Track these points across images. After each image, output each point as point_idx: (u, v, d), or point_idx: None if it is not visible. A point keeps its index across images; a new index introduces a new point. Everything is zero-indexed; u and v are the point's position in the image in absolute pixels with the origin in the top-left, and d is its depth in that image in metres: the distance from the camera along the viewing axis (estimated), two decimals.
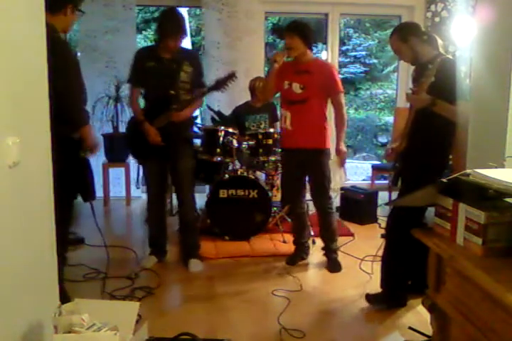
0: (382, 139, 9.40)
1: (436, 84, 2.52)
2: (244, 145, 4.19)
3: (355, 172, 8.01)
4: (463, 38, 4.81)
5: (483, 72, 2.17)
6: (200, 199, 4.15)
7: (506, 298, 1.29)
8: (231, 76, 3.29)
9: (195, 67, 3.33)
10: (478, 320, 1.52)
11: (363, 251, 3.66)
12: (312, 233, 4.00)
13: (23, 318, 1.63)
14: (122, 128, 4.91)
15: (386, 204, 4.52)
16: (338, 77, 3.43)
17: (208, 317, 2.81)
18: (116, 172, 5.20)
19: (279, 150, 4.23)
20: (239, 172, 4.11)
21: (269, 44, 8.94)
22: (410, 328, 2.58)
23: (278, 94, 3.62)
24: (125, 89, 5.09)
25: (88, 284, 3.07)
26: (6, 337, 1.51)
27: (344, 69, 9.71)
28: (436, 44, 2.78)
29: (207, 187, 4.75)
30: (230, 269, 3.50)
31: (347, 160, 3.64)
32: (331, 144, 3.44)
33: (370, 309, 2.90)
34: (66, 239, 2.86)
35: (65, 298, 2.44)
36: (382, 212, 4.58)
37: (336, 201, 4.10)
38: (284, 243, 3.96)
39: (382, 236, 3.13)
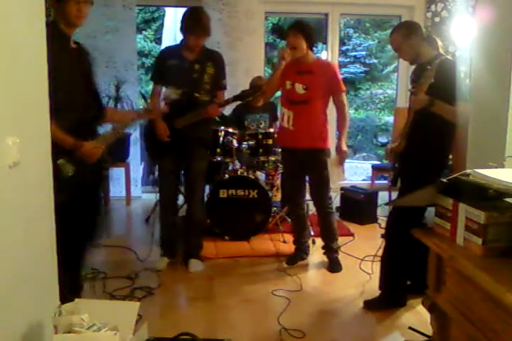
0: (382, 139, 9.39)
1: (435, 85, 2.52)
2: (244, 145, 4.19)
3: (355, 172, 8.01)
4: (463, 38, 4.81)
5: (483, 72, 2.17)
6: None
7: (506, 298, 1.29)
8: (257, 89, 3.34)
9: (217, 68, 3.32)
10: (478, 320, 1.52)
11: (363, 251, 3.66)
12: (312, 233, 4.00)
13: (23, 318, 1.63)
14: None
15: (386, 204, 4.52)
16: (340, 75, 3.44)
17: (208, 317, 2.81)
18: (117, 172, 5.21)
19: (280, 150, 4.24)
20: (239, 172, 4.11)
21: (269, 44, 8.95)
22: (410, 328, 2.58)
23: (278, 94, 3.62)
24: (125, 89, 5.10)
25: (88, 284, 3.07)
26: (6, 337, 1.51)
27: (344, 69, 9.70)
28: (436, 45, 2.79)
29: (207, 187, 4.74)
30: (230, 269, 3.50)
31: (347, 160, 3.64)
32: (331, 143, 3.46)
33: (370, 310, 2.90)
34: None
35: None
36: (382, 212, 4.58)
37: (336, 201, 4.10)
38: (284, 243, 3.96)
39: (382, 236, 3.13)
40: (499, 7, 2.06)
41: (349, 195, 4.69)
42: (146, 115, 2.96)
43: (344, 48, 9.65)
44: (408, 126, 2.70)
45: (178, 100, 3.19)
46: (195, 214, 3.48)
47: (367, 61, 10.09)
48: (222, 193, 3.98)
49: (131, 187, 5.20)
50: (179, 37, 6.12)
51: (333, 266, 3.52)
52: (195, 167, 3.39)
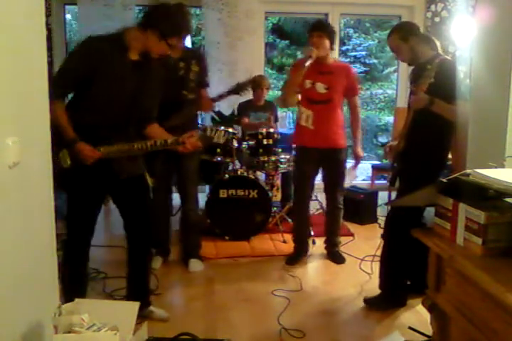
0: (382, 139, 9.39)
1: (434, 85, 2.52)
2: (244, 145, 4.19)
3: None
4: (463, 38, 4.81)
5: (483, 72, 2.17)
6: (200, 199, 4.14)
7: (506, 298, 1.29)
8: (252, 81, 3.34)
9: (201, 66, 3.31)
10: (478, 320, 1.52)
11: (363, 251, 3.66)
12: (312, 233, 4.01)
13: (23, 318, 1.63)
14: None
15: (386, 204, 4.53)
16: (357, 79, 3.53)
17: (208, 318, 2.81)
18: None
19: (279, 149, 4.24)
20: (239, 172, 4.10)
21: (269, 44, 8.95)
22: (410, 328, 2.58)
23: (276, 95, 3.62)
24: None
25: (88, 284, 3.06)
26: (6, 337, 1.51)
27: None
28: (435, 45, 2.79)
29: (207, 187, 4.74)
30: (230, 269, 3.50)
31: (348, 160, 3.68)
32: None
33: (370, 309, 2.90)
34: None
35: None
36: (382, 212, 4.58)
37: None
38: (284, 243, 3.96)
39: (382, 236, 3.13)
40: (499, 7, 2.06)
41: (349, 195, 4.67)
42: (177, 146, 2.56)
43: (344, 48, 9.65)
44: (407, 126, 2.70)
45: (166, 99, 3.11)
46: (190, 214, 3.48)
47: (367, 61, 10.10)
48: (222, 193, 3.98)
49: None
50: None
51: (337, 258, 3.64)
52: (186, 166, 3.38)
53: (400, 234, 2.73)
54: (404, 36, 2.77)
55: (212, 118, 5.20)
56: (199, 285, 3.23)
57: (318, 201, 4.38)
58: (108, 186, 2.51)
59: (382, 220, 4.45)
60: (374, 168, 5.55)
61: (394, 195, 2.92)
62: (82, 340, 1.53)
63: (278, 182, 4.54)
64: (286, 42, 10.07)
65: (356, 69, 9.88)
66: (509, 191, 1.52)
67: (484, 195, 1.61)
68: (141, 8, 5.02)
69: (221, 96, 3.38)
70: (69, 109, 2.38)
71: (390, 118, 8.44)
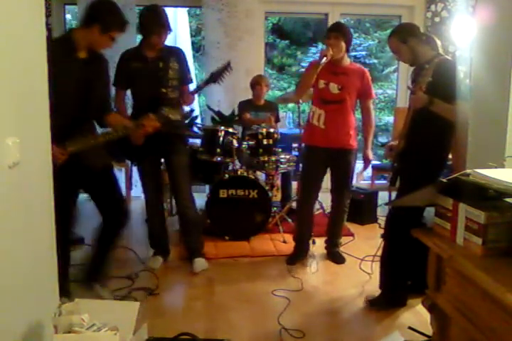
0: (382, 139, 9.39)
1: (433, 84, 2.52)
2: (244, 145, 4.19)
3: (355, 172, 8.00)
4: (463, 38, 4.81)
5: (483, 72, 2.17)
6: (200, 199, 4.14)
7: (506, 298, 1.29)
8: (226, 67, 3.28)
9: (181, 63, 3.30)
10: (478, 320, 1.52)
11: (363, 251, 3.66)
12: (312, 233, 4.01)
13: (23, 318, 1.63)
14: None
15: (386, 204, 4.52)
16: (371, 82, 3.52)
17: (208, 318, 2.81)
18: (117, 173, 5.19)
19: (279, 149, 4.24)
20: (239, 172, 4.10)
21: (269, 44, 8.95)
22: (410, 328, 2.58)
23: (274, 95, 3.62)
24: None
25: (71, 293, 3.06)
26: (6, 337, 1.51)
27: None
28: (435, 45, 2.78)
29: (207, 187, 4.75)
30: (230, 269, 3.50)
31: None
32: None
33: (370, 309, 2.90)
34: (67, 239, 2.84)
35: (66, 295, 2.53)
36: (382, 212, 4.58)
37: None
38: (284, 243, 3.96)
39: (382, 236, 3.13)
40: (499, 7, 2.06)
41: None
42: (137, 129, 2.81)
43: None
44: (407, 126, 2.70)
45: (146, 100, 3.18)
46: (186, 212, 3.44)
47: (367, 61, 10.09)
48: (222, 193, 3.97)
49: (131, 187, 5.19)
50: (179, 37, 6.15)
51: (338, 258, 3.65)
52: (176, 162, 3.36)
53: (400, 234, 2.73)
54: (403, 38, 2.77)
55: (213, 118, 5.20)
56: (199, 285, 3.23)
57: (318, 201, 4.37)
58: (80, 178, 2.69)
59: (382, 220, 4.45)
60: (374, 168, 5.54)
61: (394, 194, 2.92)
62: (82, 340, 1.53)
63: (278, 182, 4.54)
64: (286, 42, 10.08)
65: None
66: (509, 191, 1.52)
67: (484, 195, 1.61)
68: (141, 8, 5.02)
69: (199, 88, 3.36)
70: None
71: (390, 118, 8.44)
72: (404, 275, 2.92)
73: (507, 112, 1.94)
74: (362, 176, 3.81)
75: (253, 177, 4.07)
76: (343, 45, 3.31)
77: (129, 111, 3.53)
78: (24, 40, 1.64)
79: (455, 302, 1.66)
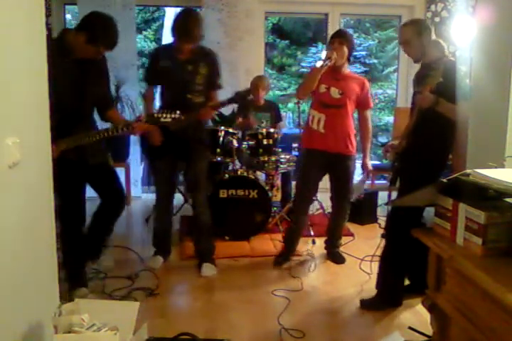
0: (382, 139, 9.39)
1: (443, 85, 2.52)
2: (244, 145, 4.19)
3: (355, 172, 7.99)
4: (463, 38, 4.80)
5: (483, 72, 2.17)
6: None
7: (506, 298, 1.29)
8: (250, 92, 3.35)
9: (211, 68, 3.27)
10: (478, 320, 1.52)
11: (363, 251, 3.66)
12: (312, 233, 4.01)
13: (23, 318, 1.63)
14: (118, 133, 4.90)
15: (386, 204, 4.53)
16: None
17: (208, 317, 2.81)
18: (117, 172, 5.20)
19: (279, 149, 4.24)
20: (239, 172, 4.10)
21: (269, 44, 8.95)
22: (410, 328, 2.58)
23: (273, 94, 3.62)
24: (125, 89, 5.10)
25: (88, 284, 3.07)
26: (6, 337, 1.51)
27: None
28: (442, 48, 2.78)
29: None
30: (230, 269, 3.50)
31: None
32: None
33: (369, 309, 2.90)
34: (80, 233, 3.01)
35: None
36: (382, 212, 4.58)
37: None
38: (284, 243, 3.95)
39: (382, 236, 3.13)
40: (499, 7, 2.06)
41: None
42: (132, 127, 2.81)
43: None
44: (411, 125, 2.69)
45: (171, 102, 3.17)
46: (200, 217, 3.44)
47: (367, 61, 10.10)
48: (222, 193, 3.97)
49: (131, 187, 5.20)
50: None
51: (338, 258, 3.66)
52: (196, 167, 3.36)
53: (400, 234, 2.74)
54: (419, 31, 2.75)
55: (212, 119, 5.20)
56: (199, 285, 3.23)
57: (318, 201, 4.38)
58: (82, 173, 2.85)
59: (382, 220, 4.46)
60: (374, 168, 5.53)
61: (394, 194, 2.92)
62: (82, 340, 1.53)
63: (278, 182, 4.53)
64: (286, 42, 10.08)
65: (356, 69, 9.90)
66: (509, 191, 1.52)
67: (484, 195, 1.61)
68: (141, 7, 5.02)
69: (222, 105, 3.31)
70: None
71: (390, 118, 8.44)
72: (402, 276, 2.91)
73: (507, 112, 1.94)
74: (361, 188, 3.79)
75: (253, 177, 4.07)
76: (346, 51, 3.33)
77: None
78: (24, 40, 1.64)
79: (455, 303, 1.66)
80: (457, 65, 2.69)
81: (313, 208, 4.63)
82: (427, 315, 2.07)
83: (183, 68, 3.21)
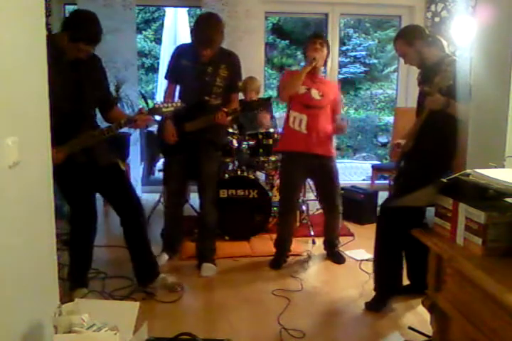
0: (382, 139, 9.40)
1: (452, 86, 2.52)
2: (244, 145, 4.19)
3: (355, 172, 8.01)
4: (463, 38, 4.81)
5: (483, 72, 2.17)
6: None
7: (506, 298, 1.29)
8: (267, 101, 3.40)
9: (231, 70, 3.28)
10: (478, 320, 1.52)
11: (363, 251, 3.66)
12: (312, 233, 4.01)
13: (23, 318, 1.63)
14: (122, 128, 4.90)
15: (383, 204, 4.52)
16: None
17: (208, 317, 2.81)
18: None
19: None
20: (239, 172, 4.10)
21: (269, 44, 8.95)
22: (410, 328, 2.58)
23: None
24: (125, 89, 5.10)
25: (88, 284, 3.06)
26: (6, 337, 1.51)
27: (344, 70, 9.71)
28: (442, 45, 2.77)
29: None
30: (230, 269, 3.50)
31: (347, 160, 3.69)
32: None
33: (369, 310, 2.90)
34: (89, 236, 3.01)
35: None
36: None
37: None
38: None
39: None
40: (499, 7, 2.06)
41: (349, 195, 4.68)
42: (135, 120, 2.79)
43: (344, 48, 9.66)
44: (419, 126, 2.69)
45: (190, 102, 3.10)
46: (206, 217, 3.45)
47: (367, 61, 10.11)
48: (222, 193, 3.97)
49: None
50: (179, 37, 6.15)
51: (338, 258, 3.65)
52: (206, 169, 3.36)
53: (396, 234, 2.75)
54: (409, 41, 2.76)
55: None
56: (199, 285, 3.23)
57: (318, 201, 4.37)
58: (91, 176, 2.80)
59: None
60: (374, 168, 5.55)
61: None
62: (82, 340, 1.53)
63: (278, 182, 4.53)
64: (286, 42, 10.09)
65: (356, 69, 9.91)
66: (509, 191, 1.52)
67: (484, 195, 1.61)
68: (141, 7, 5.02)
69: (235, 111, 3.28)
70: None
71: (390, 119, 8.45)
72: (397, 274, 2.90)
73: (507, 112, 1.94)
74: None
75: (253, 177, 4.07)
76: (325, 53, 3.37)
77: None
78: (24, 40, 1.64)
79: (455, 303, 1.66)
80: (459, 63, 2.69)
81: (314, 208, 4.64)
82: (427, 315, 2.07)
83: (203, 69, 3.21)
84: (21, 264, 1.62)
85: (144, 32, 9.58)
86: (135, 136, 5.30)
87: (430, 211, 1.94)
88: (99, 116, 2.96)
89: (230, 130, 4.13)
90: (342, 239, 3.83)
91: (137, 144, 5.40)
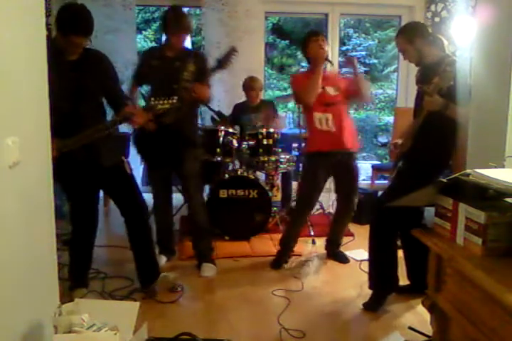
0: (382, 139, 9.39)
1: (451, 86, 2.51)
2: (244, 145, 4.19)
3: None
4: (463, 38, 4.80)
5: (483, 72, 2.17)
6: None
7: (506, 298, 1.29)
8: (231, 52, 3.31)
9: (199, 67, 3.28)
10: (478, 320, 1.52)
11: (363, 252, 3.66)
12: (312, 233, 4.00)
13: (23, 318, 1.63)
14: (122, 128, 4.90)
15: (386, 203, 4.51)
16: None
17: (208, 317, 2.81)
18: None
19: (279, 149, 4.24)
20: (239, 172, 4.10)
21: (269, 44, 8.95)
22: (410, 328, 2.58)
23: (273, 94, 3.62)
24: (125, 89, 5.09)
25: (88, 284, 3.07)
26: (6, 337, 1.51)
27: (344, 70, 9.69)
28: (442, 45, 2.77)
29: (207, 187, 4.74)
30: (230, 269, 3.50)
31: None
32: None
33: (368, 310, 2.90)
34: (91, 235, 3.03)
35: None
36: None
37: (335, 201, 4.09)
38: None
39: None
40: (499, 7, 2.06)
41: None
42: (126, 121, 2.82)
43: (344, 48, 9.65)
44: (418, 126, 2.68)
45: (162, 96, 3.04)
46: (196, 217, 3.45)
47: (367, 61, 10.10)
48: (222, 193, 3.97)
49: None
50: None
51: (342, 258, 3.66)
52: (187, 169, 3.35)
53: (386, 232, 2.76)
54: (409, 38, 2.76)
55: (212, 119, 5.20)
56: (199, 285, 3.23)
57: (318, 201, 4.37)
58: (94, 175, 2.80)
59: None
60: (374, 168, 5.55)
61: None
62: (82, 340, 1.53)
63: (278, 182, 4.53)
64: (286, 42, 10.08)
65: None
66: (509, 191, 1.52)
67: (484, 195, 1.61)
68: (141, 7, 5.01)
69: (210, 74, 3.32)
70: None
71: (390, 119, 8.44)
72: (391, 272, 2.90)
73: (507, 112, 1.94)
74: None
75: (253, 177, 4.07)
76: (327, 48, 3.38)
77: None
78: (24, 40, 1.64)
79: (455, 303, 1.66)
80: (459, 64, 2.68)
81: (314, 208, 4.63)
82: (427, 315, 2.07)
83: (170, 64, 3.25)
84: (21, 264, 1.62)
85: (143, 32, 9.57)
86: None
87: (430, 211, 1.94)
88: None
89: (230, 130, 4.13)
90: (342, 239, 3.82)
91: None
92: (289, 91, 8.61)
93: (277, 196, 4.58)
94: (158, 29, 9.54)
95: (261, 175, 4.45)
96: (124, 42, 5.17)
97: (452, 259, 1.62)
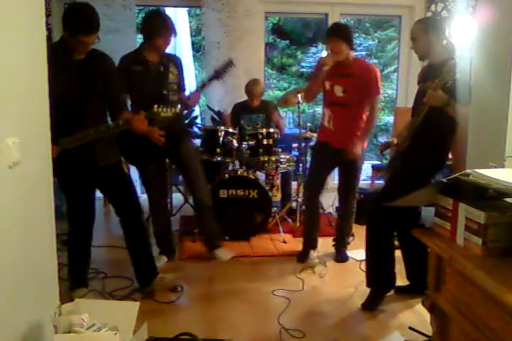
0: (382, 139, 9.38)
1: (453, 87, 2.51)
2: (244, 145, 4.19)
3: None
4: (463, 38, 4.80)
5: (483, 72, 2.17)
6: None
7: (506, 298, 1.29)
8: (228, 64, 3.32)
9: (179, 70, 3.36)
10: (478, 320, 1.52)
11: (363, 251, 3.66)
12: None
13: (23, 318, 1.63)
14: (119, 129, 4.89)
15: (385, 203, 4.51)
16: (380, 78, 3.42)
17: (208, 317, 2.81)
18: None
19: (279, 149, 4.24)
20: (239, 172, 4.10)
21: (269, 44, 8.94)
22: (410, 328, 2.58)
23: (271, 95, 3.63)
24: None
25: (88, 284, 3.06)
26: (6, 337, 1.51)
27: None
28: (453, 50, 2.75)
29: None
30: (230, 269, 3.50)
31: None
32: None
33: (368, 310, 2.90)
34: (89, 235, 3.00)
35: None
36: None
37: (336, 201, 4.09)
38: (284, 243, 3.95)
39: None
40: (499, 7, 2.06)
41: None
42: (126, 126, 2.78)
43: None
44: (416, 125, 2.68)
45: (148, 102, 2.97)
46: (203, 200, 3.46)
47: (367, 61, 10.09)
48: (222, 193, 3.97)
49: None
50: (179, 37, 6.14)
51: (342, 257, 3.69)
52: (183, 151, 3.37)
53: (383, 231, 2.76)
54: (426, 28, 2.71)
55: (213, 119, 5.20)
56: (199, 285, 3.23)
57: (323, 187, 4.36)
58: (91, 174, 2.79)
59: None
60: (374, 168, 5.55)
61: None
62: (82, 340, 1.53)
63: (278, 182, 4.53)
64: (286, 42, 10.07)
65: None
66: (509, 191, 1.52)
67: (484, 195, 1.61)
68: (141, 8, 5.01)
69: (204, 85, 3.38)
70: None
71: (390, 119, 8.44)
72: (388, 271, 2.91)
73: (507, 112, 1.94)
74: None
75: (253, 177, 4.07)
76: (344, 46, 3.28)
77: None
78: (24, 40, 1.64)
79: (455, 303, 1.66)
80: (459, 64, 2.68)
81: (319, 204, 4.62)
82: (427, 315, 2.07)
83: (155, 69, 3.26)
84: (21, 264, 1.62)
85: None
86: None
87: (429, 211, 1.94)
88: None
89: (230, 130, 4.13)
90: (349, 239, 3.84)
91: None
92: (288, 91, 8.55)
93: (277, 196, 4.58)
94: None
95: (261, 175, 4.45)
96: (124, 43, 5.16)
97: (452, 259, 1.62)
